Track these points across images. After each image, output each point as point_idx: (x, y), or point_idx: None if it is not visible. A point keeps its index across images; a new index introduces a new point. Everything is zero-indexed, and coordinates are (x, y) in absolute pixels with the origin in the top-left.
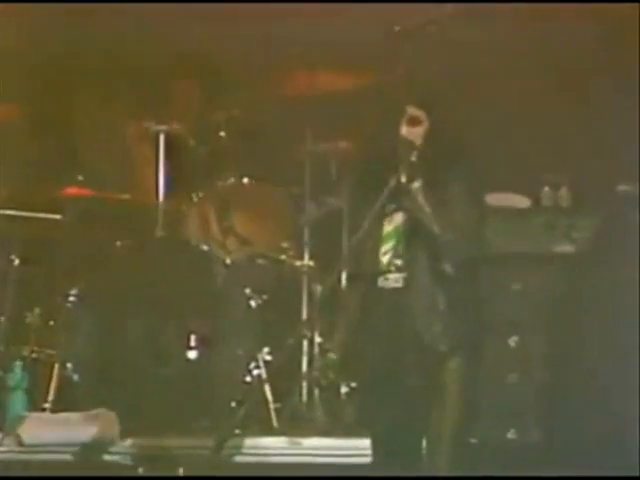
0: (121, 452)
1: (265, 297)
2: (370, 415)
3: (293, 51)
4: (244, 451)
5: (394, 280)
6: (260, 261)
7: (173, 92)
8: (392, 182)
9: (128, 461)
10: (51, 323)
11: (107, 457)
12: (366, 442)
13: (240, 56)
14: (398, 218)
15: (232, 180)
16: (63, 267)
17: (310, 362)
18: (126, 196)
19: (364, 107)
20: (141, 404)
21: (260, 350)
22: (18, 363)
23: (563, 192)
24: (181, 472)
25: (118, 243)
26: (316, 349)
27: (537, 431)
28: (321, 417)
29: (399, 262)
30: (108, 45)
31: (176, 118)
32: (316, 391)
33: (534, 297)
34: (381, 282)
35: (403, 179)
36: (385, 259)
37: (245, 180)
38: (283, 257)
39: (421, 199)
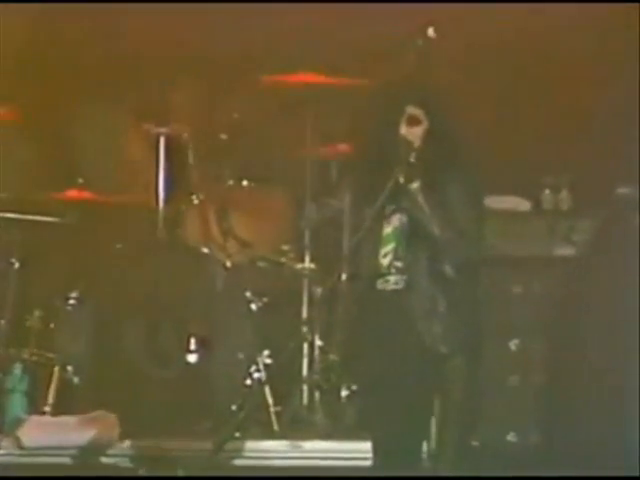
0: (121, 454)
1: (265, 300)
2: (371, 418)
3: (293, 52)
4: (245, 454)
5: (394, 282)
6: (260, 264)
7: (173, 94)
8: (391, 183)
9: (128, 464)
10: (51, 326)
11: (107, 460)
12: (367, 445)
13: (240, 57)
14: (398, 220)
15: (232, 182)
16: (63, 270)
17: (310, 365)
18: (126, 199)
19: (364, 108)
20: (141, 407)
21: (260, 353)
22: (18, 366)
23: (563, 195)
24: (181, 475)
25: (118, 246)
26: (316, 352)
27: (537, 434)
28: (322, 420)
29: (399, 264)
30: (108, 46)
31: (176, 120)
32: (317, 394)
33: (535, 300)
34: (381, 284)
35: (402, 180)
36: (385, 261)
37: (245, 182)
38: (283, 260)
39: (420, 200)
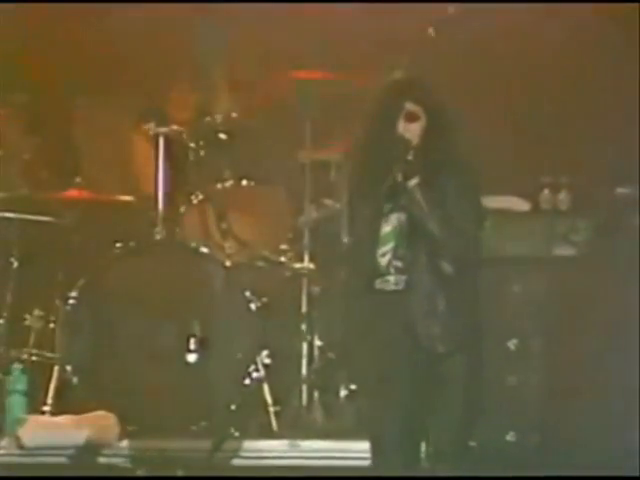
0: (120, 454)
1: (264, 300)
2: (369, 418)
3: (293, 52)
4: (244, 454)
5: (394, 283)
6: (259, 263)
7: (173, 94)
8: (388, 180)
9: (127, 463)
10: (50, 326)
11: (106, 459)
12: (365, 445)
13: (239, 58)
14: (397, 219)
15: (231, 182)
16: (62, 269)
17: (309, 365)
18: (125, 198)
19: (363, 107)
20: (140, 407)
21: (259, 353)
22: (17, 366)
23: (563, 195)
24: (180, 475)
25: (117, 245)
26: (316, 352)
27: (536, 433)
28: (321, 420)
29: (399, 264)
30: (108, 46)
31: (175, 120)
32: (316, 394)
33: (534, 300)
34: (380, 284)
35: (400, 177)
36: (384, 261)
37: (244, 182)
38: (282, 259)
39: (418, 197)
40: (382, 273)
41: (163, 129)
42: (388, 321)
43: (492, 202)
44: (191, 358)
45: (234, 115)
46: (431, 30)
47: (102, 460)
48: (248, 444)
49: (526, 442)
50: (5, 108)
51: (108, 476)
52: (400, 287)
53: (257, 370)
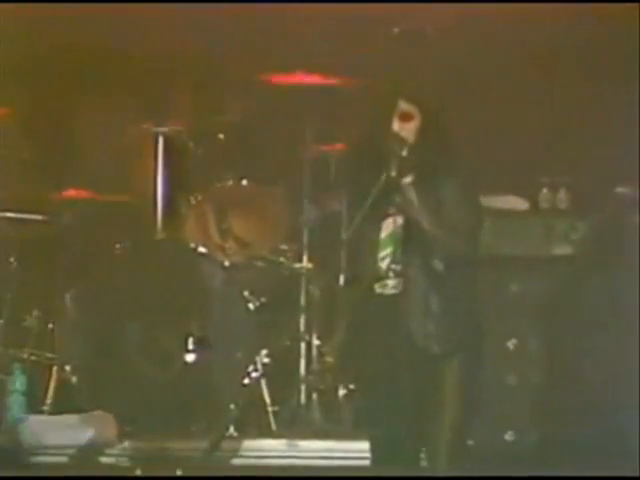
0: (119, 454)
1: (263, 299)
2: (368, 418)
3: (292, 52)
4: (242, 453)
5: (393, 286)
6: (258, 263)
7: (172, 94)
8: (382, 178)
9: (126, 463)
10: (50, 326)
11: (105, 459)
12: (364, 445)
13: (238, 58)
14: (394, 222)
15: (231, 182)
16: (62, 269)
17: (308, 365)
18: (125, 198)
19: (361, 107)
20: (139, 406)
21: (258, 353)
22: (17, 366)
23: (562, 194)
24: (179, 475)
25: (117, 245)
26: (314, 352)
27: (535, 433)
28: (319, 420)
29: (397, 267)
30: (107, 46)
31: (175, 120)
32: (314, 394)
33: (533, 299)
34: (379, 288)
35: (393, 174)
36: (383, 265)
37: (244, 182)
38: (282, 259)
39: (412, 195)
40: (381, 277)
41: (163, 129)
42: (387, 323)
43: (491, 201)
44: (190, 358)
45: (233, 115)
46: (429, 30)
47: (101, 460)
48: (247, 443)
49: (525, 442)
50: (5, 108)
51: (107, 476)
52: (398, 290)
53: (256, 370)
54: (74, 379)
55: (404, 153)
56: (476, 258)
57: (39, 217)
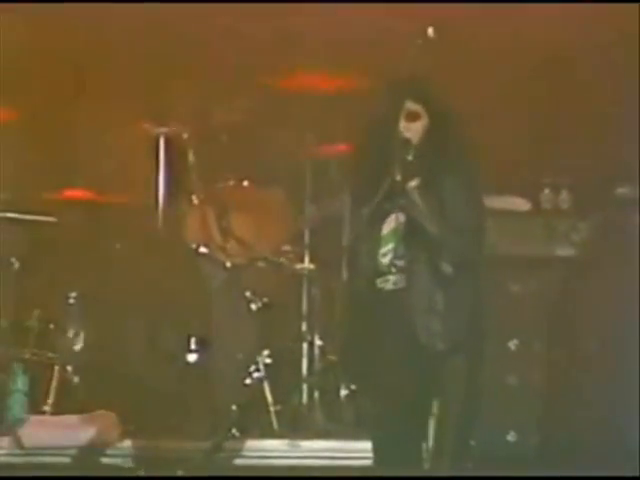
0: (121, 454)
1: (265, 300)
2: (371, 417)
3: (293, 52)
4: (244, 453)
5: (394, 282)
6: (260, 264)
7: (173, 94)
8: (387, 181)
9: (128, 463)
10: (51, 326)
11: (107, 459)
12: (365, 444)
13: (240, 58)
14: (396, 218)
15: (232, 183)
16: (63, 270)
17: (310, 365)
18: (126, 199)
19: (364, 107)
20: (141, 406)
21: (260, 353)
22: (18, 365)
23: (563, 195)
24: (180, 475)
25: (118, 246)
26: (316, 352)
27: (537, 433)
28: (321, 420)
29: (400, 263)
30: (108, 46)
31: (176, 120)
32: (316, 394)
33: (534, 300)
34: (381, 283)
35: (398, 178)
36: (385, 260)
37: (245, 183)
38: (283, 260)
39: (417, 198)
40: (383, 272)
41: (163, 129)
42: (389, 320)
43: (493, 202)
44: (191, 358)
45: (235, 115)
46: (430, 30)
47: (103, 460)
48: (249, 444)
49: (526, 442)
50: (6, 109)
51: (108, 476)
52: (400, 286)
53: (258, 370)
54: (76, 379)
55: (410, 157)
56: (480, 258)
57: (40, 217)
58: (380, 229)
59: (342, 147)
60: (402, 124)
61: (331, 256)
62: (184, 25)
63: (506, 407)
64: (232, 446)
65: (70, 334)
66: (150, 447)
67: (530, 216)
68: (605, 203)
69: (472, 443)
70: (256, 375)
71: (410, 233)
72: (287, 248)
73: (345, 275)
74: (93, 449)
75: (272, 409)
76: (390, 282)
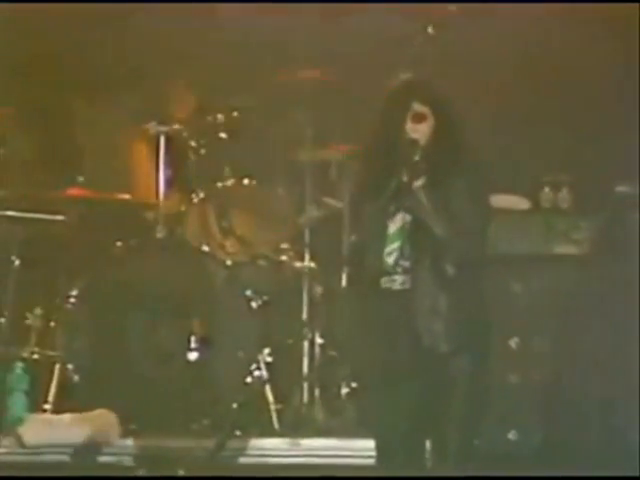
0: (121, 453)
1: (265, 298)
2: (374, 416)
3: (294, 52)
4: (245, 452)
5: (401, 282)
6: (260, 262)
7: (173, 93)
8: (394, 181)
9: (129, 462)
10: (52, 324)
11: (107, 458)
12: (367, 443)
13: (240, 57)
14: (403, 218)
15: (232, 181)
16: (63, 268)
17: (311, 363)
18: (126, 197)
19: (367, 107)
20: (142, 405)
21: (261, 351)
22: (18, 364)
23: (563, 193)
24: (181, 474)
25: (118, 244)
26: (317, 350)
27: (538, 432)
28: (322, 418)
29: (406, 263)
30: (108, 45)
31: (176, 119)
32: (317, 392)
33: (534, 298)
34: (386, 283)
35: (405, 178)
36: (390, 260)
37: (245, 181)
38: (283, 258)
39: (423, 199)
40: (388, 272)
41: (164, 128)
42: (394, 320)
43: (493, 201)
44: (192, 356)
45: (235, 114)
46: (430, 29)
47: (103, 459)
48: (250, 442)
49: (527, 441)
50: (7, 107)
51: (109, 475)
52: (406, 286)
53: (259, 368)
54: (76, 378)
55: (416, 157)
56: (484, 258)
57: (41, 216)
58: (386, 229)
59: (343, 145)
60: (408, 125)
61: (332, 255)
62: (184, 25)
63: (507, 405)
64: (233, 445)
65: (70, 332)
66: (150, 446)
67: (530, 214)
68: (605, 202)
69: (476, 442)
70: (257, 373)
71: (416, 233)
72: (287, 246)
73: (347, 273)
74: (93, 448)
75: (273, 407)
76: (397, 282)
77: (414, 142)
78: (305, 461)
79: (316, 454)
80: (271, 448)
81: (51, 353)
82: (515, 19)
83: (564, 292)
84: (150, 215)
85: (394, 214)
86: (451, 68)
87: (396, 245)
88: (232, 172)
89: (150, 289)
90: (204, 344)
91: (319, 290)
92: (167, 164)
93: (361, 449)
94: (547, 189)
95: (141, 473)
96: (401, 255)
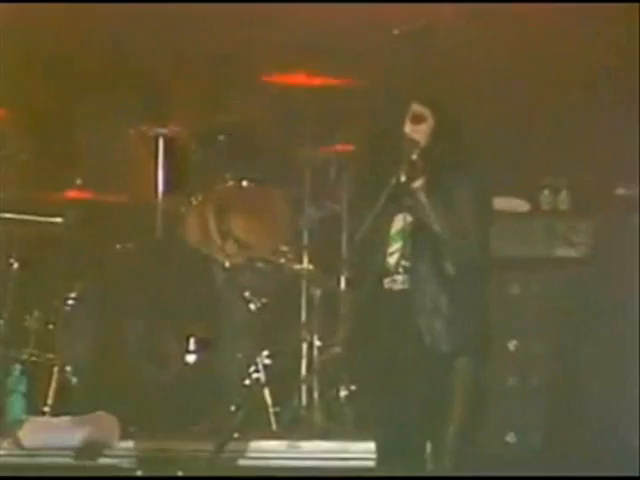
0: (121, 455)
1: (264, 300)
2: (374, 418)
3: (292, 52)
4: (244, 454)
5: (402, 282)
6: (259, 264)
7: (173, 95)
8: (392, 181)
9: (128, 464)
10: (50, 327)
11: (106, 460)
12: (366, 446)
13: (240, 58)
14: (404, 218)
15: (231, 183)
16: (62, 270)
17: (309, 365)
18: (125, 199)
19: (365, 108)
20: (140, 407)
21: (259, 353)
22: (17, 366)
23: (562, 196)
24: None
25: (117, 246)
26: (315, 352)
27: (536, 434)
28: (320, 420)
29: (407, 264)
30: (108, 47)
31: (175, 121)
32: (315, 394)
33: (533, 301)
34: (388, 283)
35: (403, 178)
36: (392, 260)
37: (244, 183)
38: (282, 260)
39: (423, 198)
40: (390, 272)
41: (163, 130)
42: (395, 320)
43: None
44: (191, 359)
45: (234, 116)
46: (432, 30)
47: (102, 461)
48: (248, 445)
49: (526, 443)
50: (6, 109)
51: (108, 476)
52: (407, 286)
53: (257, 371)
54: (75, 380)
55: (415, 156)
56: (485, 260)
57: (40, 218)
58: (388, 229)
59: (341, 147)
60: (408, 126)
61: (330, 257)
62: (184, 25)
63: (505, 408)
64: (231, 447)
65: (69, 335)
66: (150, 448)
67: (529, 217)
68: (604, 204)
69: (475, 444)
70: (255, 376)
71: (417, 234)
72: (286, 249)
73: (346, 275)
74: (92, 450)
75: (271, 410)
76: (398, 282)
77: (414, 142)
78: (304, 464)
79: (314, 456)
80: (270, 450)
81: (50, 355)
82: (514, 20)
83: (563, 294)
84: (149, 217)
85: (395, 214)
86: (449, 69)
87: (397, 246)
88: (231, 174)
89: (149, 291)
90: (203, 346)
91: (317, 292)
92: (166, 166)
93: (359, 452)
94: (546, 192)
95: (139, 475)
96: (402, 255)
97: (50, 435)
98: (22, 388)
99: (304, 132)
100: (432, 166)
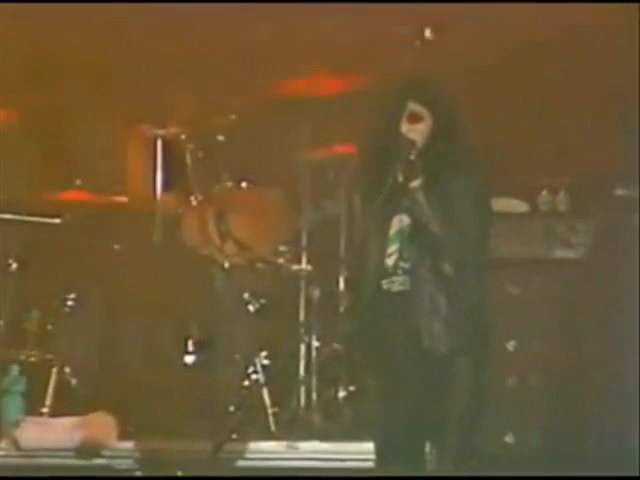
0: (119, 456)
1: (263, 301)
2: (374, 418)
3: (292, 53)
4: (242, 455)
5: (400, 283)
6: (258, 265)
7: (171, 96)
8: (389, 181)
9: (126, 465)
10: (49, 327)
11: (105, 461)
12: (364, 446)
13: (239, 59)
14: (402, 220)
15: (230, 184)
16: (61, 271)
17: (308, 366)
18: (124, 200)
19: (364, 109)
20: (139, 408)
21: (258, 354)
22: (15, 367)
23: (561, 196)
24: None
25: (116, 247)
26: (314, 353)
27: (535, 435)
28: (319, 421)
29: (406, 265)
30: (106, 48)
31: (174, 122)
32: (314, 395)
33: (532, 301)
34: (386, 284)
35: (400, 178)
36: (391, 261)
37: (243, 184)
38: (281, 261)
39: (420, 198)
40: (389, 274)
41: (161, 131)
42: (394, 321)
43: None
44: (189, 359)
45: (233, 117)
46: (428, 31)
47: (101, 461)
48: (246, 445)
49: (525, 443)
50: (5, 110)
51: (108, 476)
52: (406, 288)
53: (256, 371)
54: (74, 381)
55: (412, 156)
56: (484, 260)
57: (38, 219)
58: (387, 230)
59: (341, 148)
60: (405, 126)
61: (329, 258)
62: (183, 26)
63: (504, 408)
64: (229, 448)
65: (68, 335)
66: (148, 448)
67: (528, 218)
68: (603, 204)
69: (474, 444)
70: (254, 377)
71: (415, 234)
72: (284, 249)
73: (348, 275)
74: (91, 451)
75: (270, 411)
76: (396, 283)
77: (411, 142)
78: (302, 464)
79: (313, 457)
80: (268, 451)
81: (48, 356)
82: (514, 20)
83: (562, 295)
84: (148, 218)
85: (393, 216)
86: (449, 69)
87: (396, 246)
88: (230, 175)
89: (148, 292)
90: (201, 347)
91: (316, 293)
92: (165, 167)
93: (358, 452)
94: (545, 192)
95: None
96: (401, 257)
97: (48, 435)
98: (20, 388)
99: (303, 133)
100: (430, 166)
